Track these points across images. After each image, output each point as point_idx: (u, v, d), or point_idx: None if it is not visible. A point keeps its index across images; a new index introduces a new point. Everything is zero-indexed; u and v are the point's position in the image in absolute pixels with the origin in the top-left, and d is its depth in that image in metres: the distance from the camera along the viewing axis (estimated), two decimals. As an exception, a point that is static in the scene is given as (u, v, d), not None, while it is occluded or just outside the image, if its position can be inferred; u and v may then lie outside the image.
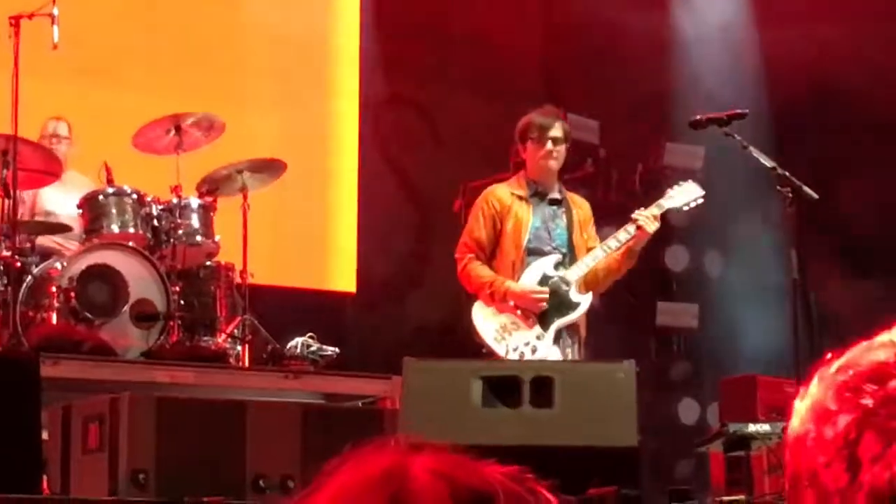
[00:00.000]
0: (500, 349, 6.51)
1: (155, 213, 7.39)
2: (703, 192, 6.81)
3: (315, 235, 10.17)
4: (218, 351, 7.36)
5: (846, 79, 10.08)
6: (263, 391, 6.87)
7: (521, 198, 6.73)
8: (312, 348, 7.50)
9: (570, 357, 6.56)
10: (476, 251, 6.72)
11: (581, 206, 6.91)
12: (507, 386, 5.31)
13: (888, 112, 9.96)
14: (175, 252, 7.37)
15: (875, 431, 1.14)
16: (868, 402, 1.16)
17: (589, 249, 6.72)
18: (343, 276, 10.18)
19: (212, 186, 7.67)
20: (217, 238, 7.56)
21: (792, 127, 9.86)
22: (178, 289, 7.25)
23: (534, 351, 6.49)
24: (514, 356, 6.45)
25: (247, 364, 7.46)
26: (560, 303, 6.58)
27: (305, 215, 9.97)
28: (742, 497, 5.50)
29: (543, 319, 6.56)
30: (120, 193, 7.37)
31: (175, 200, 7.43)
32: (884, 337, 1.21)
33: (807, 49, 10.12)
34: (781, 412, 7.48)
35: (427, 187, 10.38)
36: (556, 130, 6.73)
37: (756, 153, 6.39)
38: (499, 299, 6.57)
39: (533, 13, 10.80)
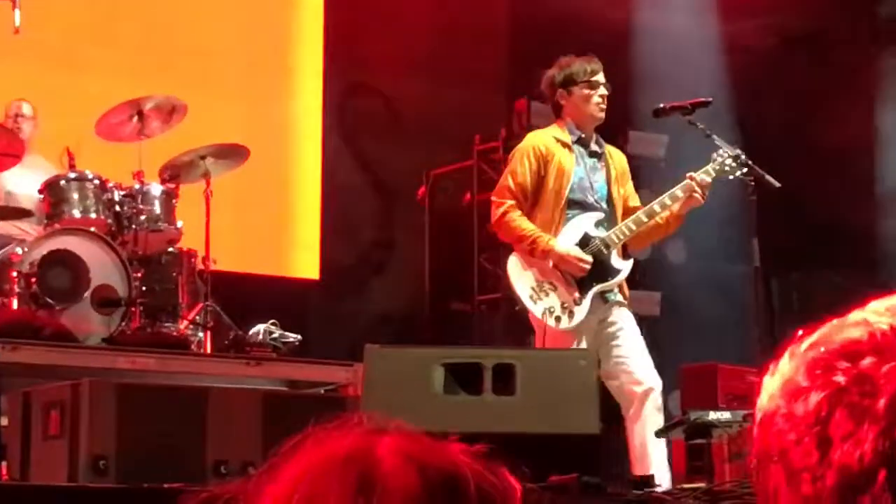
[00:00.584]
0: (535, 309, 6.32)
1: (117, 198, 7.36)
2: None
3: (278, 222, 10.15)
4: (180, 337, 7.33)
5: (807, 68, 10.13)
6: (225, 378, 6.84)
7: (564, 144, 6.45)
8: (275, 335, 7.47)
9: (606, 321, 6.42)
10: (519, 198, 6.37)
11: (618, 161, 6.65)
12: (468, 373, 5.30)
13: (847, 103, 10.00)
14: (137, 238, 7.33)
15: (847, 409, 1.13)
16: (840, 379, 1.15)
17: (625, 204, 6.53)
18: (306, 263, 10.16)
19: (174, 172, 7.65)
20: (179, 224, 7.53)
21: (754, 115, 9.90)
22: (139, 275, 7.22)
23: (571, 315, 6.30)
24: (550, 319, 6.28)
25: (209, 351, 7.43)
26: (600, 267, 6.37)
27: (269, 202, 9.94)
28: (703, 485, 5.51)
29: (582, 283, 6.34)
30: (82, 179, 7.33)
31: (137, 186, 7.40)
32: (857, 315, 1.20)
33: (768, 38, 10.16)
34: (742, 400, 7.51)
35: (391, 175, 10.37)
36: (602, 77, 6.53)
37: (719, 141, 6.41)
38: (539, 257, 6.32)
39: (498, 1, 10.79)
